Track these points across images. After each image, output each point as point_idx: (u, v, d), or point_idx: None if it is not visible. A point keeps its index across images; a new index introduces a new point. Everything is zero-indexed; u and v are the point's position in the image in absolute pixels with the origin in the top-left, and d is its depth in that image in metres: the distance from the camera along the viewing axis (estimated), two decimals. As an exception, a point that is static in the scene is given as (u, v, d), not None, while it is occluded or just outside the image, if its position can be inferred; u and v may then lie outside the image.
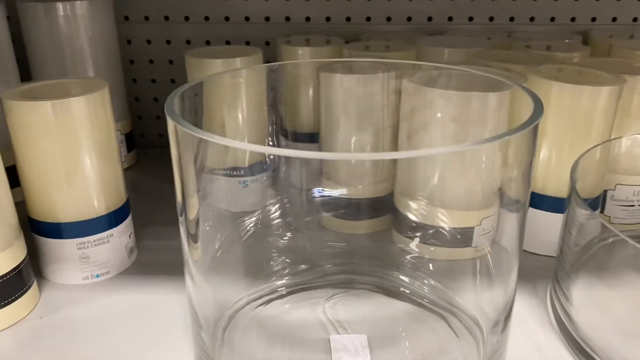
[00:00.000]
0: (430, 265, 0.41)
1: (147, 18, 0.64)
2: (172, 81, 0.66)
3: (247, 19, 0.63)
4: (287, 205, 0.39)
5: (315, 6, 0.63)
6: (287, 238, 0.39)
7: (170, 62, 0.66)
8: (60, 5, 0.55)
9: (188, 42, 0.65)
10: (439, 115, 0.40)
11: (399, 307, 0.39)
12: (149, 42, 0.65)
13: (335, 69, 0.45)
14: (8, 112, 0.39)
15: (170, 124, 0.28)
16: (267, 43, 0.64)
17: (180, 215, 0.30)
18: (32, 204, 0.41)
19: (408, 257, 0.41)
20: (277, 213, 0.39)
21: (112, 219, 0.42)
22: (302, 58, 0.56)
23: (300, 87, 0.53)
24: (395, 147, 0.46)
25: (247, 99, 0.47)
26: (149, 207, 0.52)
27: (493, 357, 0.32)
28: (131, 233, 0.45)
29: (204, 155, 0.30)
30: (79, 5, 0.55)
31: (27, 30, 0.56)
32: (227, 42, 0.64)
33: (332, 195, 0.43)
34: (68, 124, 0.39)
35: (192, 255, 0.31)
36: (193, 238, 0.31)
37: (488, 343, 0.33)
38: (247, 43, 0.64)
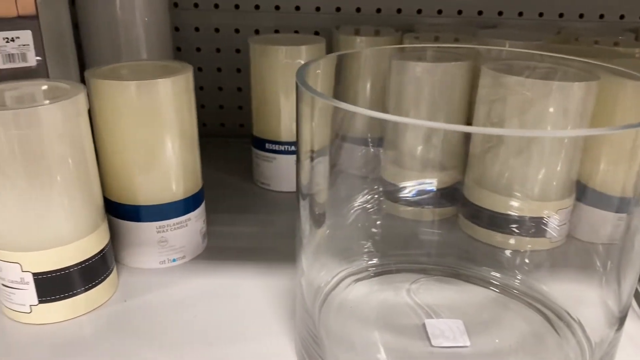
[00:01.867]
0: (524, 258, 0.41)
1: (196, 5, 0.64)
2: (219, 70, 0.66)
3: (297, 8, 0.63)
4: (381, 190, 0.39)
5: (366, -3, 0.63)
6: (378, 222, 0.39)
7: (218, 50, 0.65)
8: (117, -11, 0.54)
9: (237, 30, 0.64)
10: (525, 104, 0.40)
11: (482, 293, 0.39)
12: (197, 29, 0.65)
13: (409, 56, 0.45)
14: (94, 92, 0.38)
15: (307, 96, 0.28)
16: (317, 33, 0.64)
17: (304, 199, 0.30)
18: (112, 186, 0.40)
19: (491, 247, 0.41)
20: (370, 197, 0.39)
21: (190, 204, 0.42)
22: (361, 48, 0.56)
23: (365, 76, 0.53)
24: (467, 137, 0.46)
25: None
26: (212, 194, 0.52)
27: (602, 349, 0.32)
28: (204, 219, 0.44)
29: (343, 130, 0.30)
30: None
31: (84, 14, 0.55)
32: (276, 31, 0.64)
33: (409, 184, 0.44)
34: (152, 105, 0.39)
35: (313, 236, 0.31)
36: (317, 221, 0.31)
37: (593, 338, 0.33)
38: (296, 32, 0.63)
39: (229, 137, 0.68)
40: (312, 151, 0.29)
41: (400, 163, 0.40)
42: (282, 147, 0.53)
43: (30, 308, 0.35)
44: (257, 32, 0.64)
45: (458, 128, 0.24)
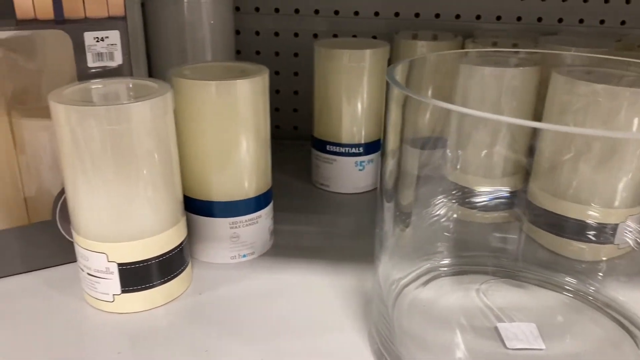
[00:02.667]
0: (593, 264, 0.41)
1: (257, 9, 0.65)
2: (277, 73, 0.67)
3: (356, 13, 0.64)
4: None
5: (425, 3, 0.63)
6: (450, 224, 0.39)
7: (277, 53, 0.67)
8: (186, -8, 0.56)
9: (296, 34, 0.66)
10: (594, 110, 0.40)
11: (553, 298, 0.39)
12: (257, 33, 0.66)
13: (478, 61, 0.46)
14: (176, 90, 0.39)
15: (399, 95, 0.28)
16: (374, 37, 0.64)
17: (388, 201, 0.31)
18: (188, 181, 0.42)
19: (558, 253, 0.41)
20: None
21: (261, 201, 0.43)
22: (422, 53, 0.57)
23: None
24: (540, 143, 0.46)
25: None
26: (277, 193, 0.53)
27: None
28: (272, 216, 0.45)
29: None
30: (205, -7, 0.57)
31: (152, 15, 0.57)
32: (334, 35, 0.65)
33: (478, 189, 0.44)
34: (231, 105, 0.40)
35: (395, 237, 0.32)
36: (401, 223, 0.31)
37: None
38: (354, 36, 0.64)
39: (284, 139, 0.69)
40: (399, 151, 0.30)
41: (474, 167, 0.40)
42: (343, 149, 0.54)
43: (113, 297, 0.37)
44: (315, 36, 0.65)
45: (558, 128, 0.24)
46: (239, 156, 0.41)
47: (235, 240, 0.43)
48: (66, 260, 0.42)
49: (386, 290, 0.35)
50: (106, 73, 0.39)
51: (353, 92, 0.52)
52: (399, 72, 0.31)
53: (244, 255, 0.43)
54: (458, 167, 0.37)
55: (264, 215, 0.44)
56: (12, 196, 0.42)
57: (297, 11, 0.65)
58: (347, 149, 0.54)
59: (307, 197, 0.55)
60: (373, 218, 0.53)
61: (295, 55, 0.67)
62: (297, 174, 0.60)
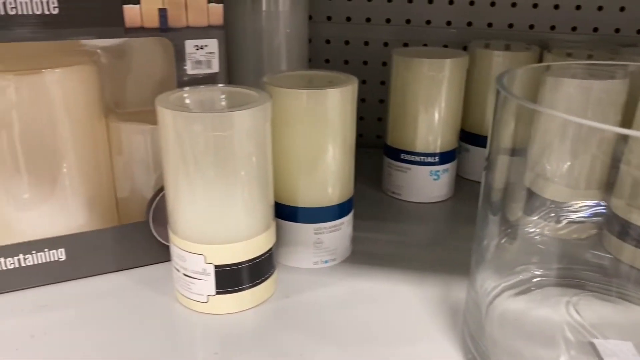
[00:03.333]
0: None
1: (329, 18, 0.66)
2: (364, 82, 0.68)
3: (428, 22, 0.64)
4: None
5: (498, 13, 0.63)
6: (542, 237, 0.39)
7: (346, 62, 0.67)
8: (264, 1, 0.57)
9: (366, 43, 0.66)
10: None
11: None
12: (327, 41, 0.67)
13: (563, 73, 0.45)
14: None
15: (511, 104, 0.28)
16: (445, 46, 0.64)
17: (494, 214, 0.31)
18: (275, 186, 0.42)
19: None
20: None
21: (345, 208, 0.43)
22: (498, 62, 0.56)
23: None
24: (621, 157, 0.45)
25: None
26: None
27: None
28: (352, 224, 0.46)
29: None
30: (282, 1, 0.58)
31: (230, 23, 0.59)
32: (405, 44, 0.65)
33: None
34: (321, 113, 0.40)
35: (499, 250, 0.32)
36: (509, 234, 0.31)
37: None
38: (424, 45, 0.64)
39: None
40: (509, 163, 0.30)
41: (571, 180, 0.40)
42: (417, 158, 0.54)
43: (207, 298, 0.38)
44: (385, 45, 0.66)
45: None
46: (325, 163, 0.42)
47: (318, 245, 0.43)
48: (156, 260, 0.43)
49: (480, 301, 0.35)
50: (203, 80, 0.40)
51: (431, 101, 0.52)
52: (510, 81, 0.31)
53: (326, 261, 0.44)
54: (555, 179, 0.37)
55: (346, 222, 0.44)
56: (107, 197, 0.44)
57: (368, 20, 0.65)
58: (422, 157, 0.54)
59: (378, 205, 0.55)
60: (448, 228, 0.53)
61: (365, 63, 0.67)
62: (366, 181, 0.60)
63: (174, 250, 0.38)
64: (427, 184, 0.55)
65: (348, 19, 0.66)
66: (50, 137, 0.39)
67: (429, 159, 0.54)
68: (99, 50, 0.42)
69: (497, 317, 0.37)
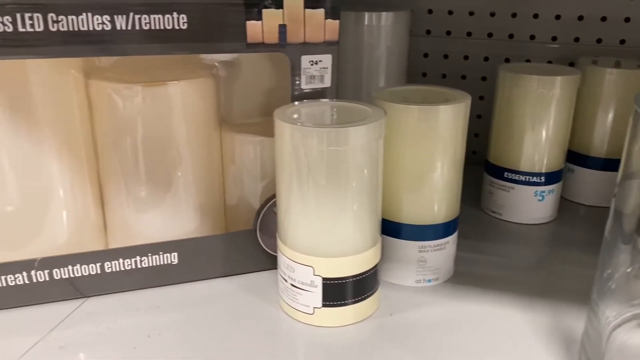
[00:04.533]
0: None
1: (428, 32, 0.65)
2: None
3: (532, 37, 0.62)
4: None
5: (610, 28, 0.60)
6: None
7: (444, 76, 0.67)
8: (367, 15, 0.58)
9: (466, 57, 0.65)
10: None
11: None
12: (425, 55, 0.66)
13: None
14: (379, 114, 0.40)
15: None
16: (549, 62, 0.62)
17: (626, 243, 0.29)
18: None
19: None
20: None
21: (450, 227, 0.43)
22: (610, 81, 0.54)
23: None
24: None
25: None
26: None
27: None
28: (457, 243, 0.45)
29: None
30: (385, 16, 0.58)
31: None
32: (507, 60, 0.64)
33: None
34: (432, 130, 0.40)
35: (624, 280, 0.30)
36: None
37: None
38: (527, 61, 0.62)
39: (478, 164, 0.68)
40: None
41: None
42: (521, 177, 0.52)
43: (314, 310, 0.38)
44: (486, 59, 0.64)
45: None
46: (433, 181, 0.41)
47: (422, 264, 0.43)
48: (261, 268, 0.44)
49: (602, 330, 0.33)
50: (315, 94, 0.41)
51: (538, 119, 0.51)
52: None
53: (429, 280, 0.43)
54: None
55: (451, 242, 0.43)
56: (217, 204, 0.45)
57: (469, 34, 0.64)
58: (527, 177, 0.52)
59: (478, 224, 0.54)
60: (553, 251, 0.51)
61: (463, 77, 0.66)
62: (463, 198, 0.59)
63: (283, 260, 0.39)
64: (531, 205, 0.53)
65: (448, 32, 0.65)
66: (169, 144, 0.41)
67: (534, 179, 0.52)
68: (216, 64, 0.44)
69: (618, 348, 0.35)
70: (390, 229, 0.42)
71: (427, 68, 0.67)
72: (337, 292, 0.38)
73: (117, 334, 0.38)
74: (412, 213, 0.42)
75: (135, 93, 0.39)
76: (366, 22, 0.58)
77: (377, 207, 0.38)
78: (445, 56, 0.66)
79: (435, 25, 0.65)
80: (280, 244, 0.39)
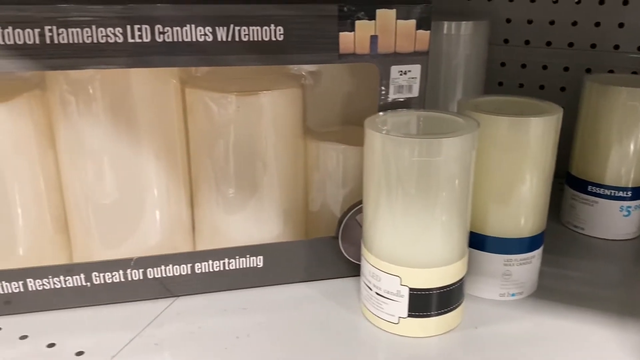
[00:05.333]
0: None
1: (506, 41, 0.64)
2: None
3: (616, 47, 0.60)
4: None
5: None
6: None
7: (521, 85, 0.65)
8: (446, 24, 0.57)
9: (544, 67, 0.64)
10: None
11: None
12: (502, 64, 0.65)
13: None
14: (467, 125, 0.40)
15: None
16: (634, 72, 0.60)
17: None
18: (464, 214, 0.42)
19: None
20: None
21: (537, 241, 0.42)
22: None
23: None
24: None
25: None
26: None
27: None
28: (541, 257, 0.44)
29: None
30: (464, 25, 0.57)
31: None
32: (588, 70, 0.62)
33: None
34: (521, 141, 0.39)
35: None
36: None
37: None
38: (610, 72, 0.61)
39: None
40: None
41: None
42: (606, 192, 0.51)
43: (399, 320, 0.38)
44: (566, 69, 0.63)
45: None
46: (521, 193, 0.40)
47: (507, 278, 0.42)
48: (341, 275, 0.45)
49: None
50: (402, 104, 0.41)
51: (626, 132, 0.49)
52: None
53: (513, 294, 0.43)
54: None
55: (537, 256, 0.42)
56: (301, 211, 0.46)
57: (548, 44, 0.63)
58: (612, 191, 0.50)
59: (559, 238, 0.53)
60: (638, 269, 0.49)
61: (541, 87, 0.65)
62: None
63: (367, 269, 0.39)
64: (616, 220, 0.51)
65: (527, 42, 0.64)
66: (258, 150, 0.42)
67: (620, 193, 0.50)
68: (303, 73, 0.45)
69: None
70: (475, 241, 0.42)
71: (504, 77, 0.66)
72: (423, 303, 0.38)
73: (207, 334, 0.39)
74: (498, 225, 0.41)
75: (230, 102, 0.40)
76: (445, 31, 0.58)
77: (466, 220, 0.38)
78: (523, 66, 0.65)
79: (514, 34, 0.64)
80: (365, 251, 0.39)
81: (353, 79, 0.47)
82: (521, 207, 0.41)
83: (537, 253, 0.42)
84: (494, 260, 0.42)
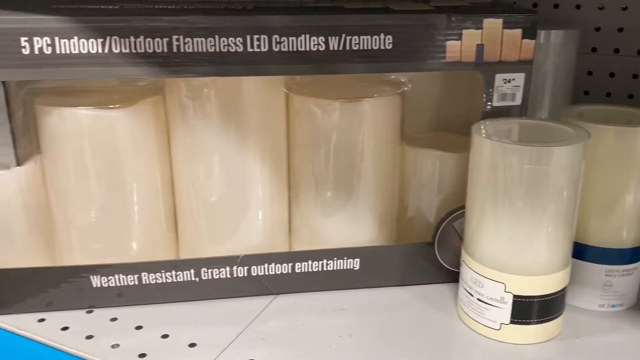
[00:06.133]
0: None
1: (594, 49, 0.64)
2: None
3: None
4: None
5: None
6: None
7: (608, 94, 0.64)
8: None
9: (635, 76, 0.62)
10: None
11: None
12: (589, 73, 0.64)
13: None
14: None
15: None
16: None
17: None
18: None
19: None
20: None
21: (638, 253, 0.41)
22: None
23: None
24: None
25: None
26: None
27: None
28: (642, 269, 0.43)
29: None
30: (555, 34, 0.57)
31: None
32: (682, 79, 0.60)
33: None
34: (630, 152, 0.39)
35: None
36: None
37: None
38: None
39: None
40: None
41: None
42: None
43: (500, 326, 0.39)
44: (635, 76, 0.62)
45: None
46: (625, 204, 0.40)
47: (607, 288, 0.42)
48: (435, 280, 0.45)
49: None
50: (505, 112, 0.41)
51: None
52: None
53: (613, 306, 0.42)
54: None
55: (639, 268, 0.42)
56: (396, 215, 0.47)
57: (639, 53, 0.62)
58: None
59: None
60: None
61: (630, 97, 0.63)
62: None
63: (469, 274, 0.40)
64: None
65: (616, 50, 0.63)
66: (357, 155, 0.43)
67: None
68: (403, 79, 0.46)
69: None
70: (576, 250, 0.41)
71: (591, 86, 0.65)
72: (525, 310, 0.38)
73: (311, 332, 0.40)
74: (600, 235, 0.41)
75: (334, 108, 0.42)
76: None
77: (572, 229, 0.38)
78: (612, 74, 0.63)
79: (603, 42, 0.63)
80: (467, 257, 0.40)
81: (444, 85, 0.48)
82: (625, 218, 0.40)
83: (639, 265, 0.42)
84: (595, 271, 0.41)
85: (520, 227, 0.37)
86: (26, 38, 0.36)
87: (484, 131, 0.38)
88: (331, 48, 0.38)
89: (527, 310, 0.38)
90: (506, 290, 0.38)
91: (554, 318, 0.39)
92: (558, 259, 0.38)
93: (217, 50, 0.37)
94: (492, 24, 0.39)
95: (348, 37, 0.38)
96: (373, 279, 0.45)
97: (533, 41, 0.40)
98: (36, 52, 0.36)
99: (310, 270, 0.44)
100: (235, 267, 0.43)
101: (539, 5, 0.65)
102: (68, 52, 0.36)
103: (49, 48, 0.36)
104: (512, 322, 0.38)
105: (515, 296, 0.38)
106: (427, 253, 0.45)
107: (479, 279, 0.39)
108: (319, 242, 0.45)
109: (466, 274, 0.40)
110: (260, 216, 0.44)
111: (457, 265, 0.43)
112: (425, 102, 0.48)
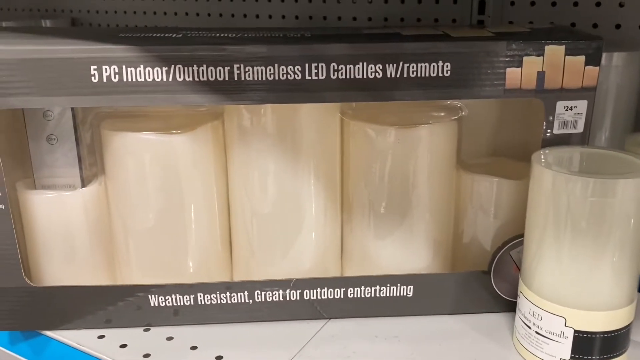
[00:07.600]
0: None
1: (658, 71, 0.61)
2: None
3: None
4: None
5: None
6: None
7: (674, 117, 0.62)
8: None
9: (703, 98, 0.60)
10: None
11: None
12: (653, 95, 0.62)
13: None
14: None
15: None
16: None
17: None
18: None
19: None
20: None
21: None
22: None
23: None
24: None
25: None
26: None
27: None
28: None
29: None
30: (617, 56, 0.55)
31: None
32: None
33: None
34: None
35: None
36: None
37: None
38: None
39: None
40: None
41: None
42: None
43: (562, 361, 0.38)
44: None
45: None
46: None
47: (675, 325, 0.40)
48: (490, 309, 0.44)
49: None
50: (566, 140, 0.40)
51: None
52: None
53: (681, 343, 0.40)
54: None
55: None
56: (450, 243, 0.46)
57: None
58: None
59: None
60: None
61: (699, 121, 0.61)
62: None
63: (527, 306, 0.39)
64: None
65: (681, 71, 0.60)
66: (411, 180, 0.43)
67: None
68: (459, 104, 0.45)
69: None
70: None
71: (654, 109, 0.62)
72: (587, 347, 0.37)
73: (362, 359, 0.40)
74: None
75: (390, 134, 0.42)
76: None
77: (638, 263, 0.37)
78: (675, 96, 0.61)
79: (668, 63, 0.61)
80: (524, 288, 0.39)
81: (503, 109, 0.47)
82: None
83: None
84: None
85: (582, 260, 0.36)
86: (95, 67, 0.37)
87: (544, 160, 0.38)
88: (388, 75, 0.38)
89: (589, 346, 0.37)
90: (567, 325, 0.37)
91: (618, 355, 0.37)
92: (623, 294, 0.36)
93: (276, 78, 0.38)
94: (554, 50, 0.38)
95: (406, 65, 0.38)
96: (426, 306, 0.44)
97: (597, 68, 0.39)
98: (104, 80, 0.38)
99: (363, 295, 0.44)
100: (288, 290, 0.43)
101: (599, 26, 0.63)
102: (134, 80, 0.38)
103: (117, 76, 0.38)
104: (572, 357, 0.37)
105: (576, 331, 0.36)
106: (482, 281, 0.44)
107: (537, 312, 0.38)
108: (371, 266, 0.45)
109: (524, 305, 0.39)
110: (313, 238, 0.45)
111: (514, 294, 0.42)
112: (482, 127, 0.48)
